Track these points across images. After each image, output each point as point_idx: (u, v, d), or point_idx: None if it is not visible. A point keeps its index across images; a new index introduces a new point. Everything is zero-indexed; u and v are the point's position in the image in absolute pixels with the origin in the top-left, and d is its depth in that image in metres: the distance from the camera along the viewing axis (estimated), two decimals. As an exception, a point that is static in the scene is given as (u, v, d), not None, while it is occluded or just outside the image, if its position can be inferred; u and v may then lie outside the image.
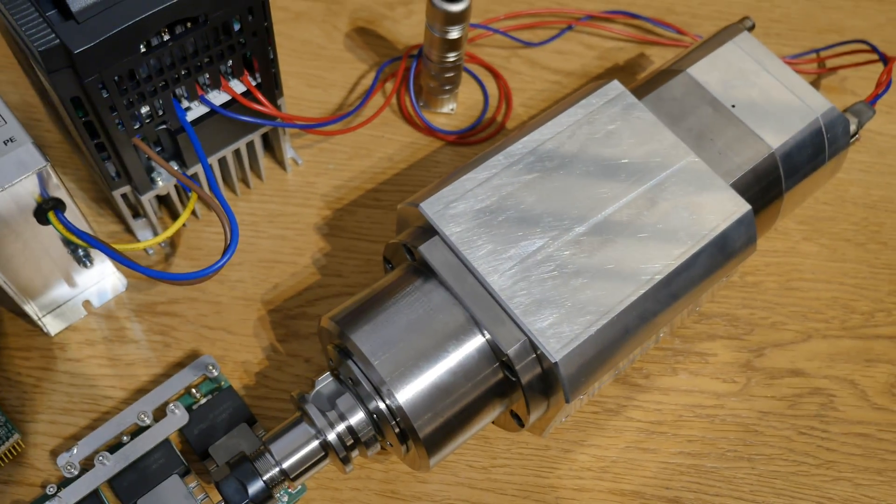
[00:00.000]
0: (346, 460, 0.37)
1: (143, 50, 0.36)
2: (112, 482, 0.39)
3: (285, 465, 0.36)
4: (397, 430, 0.37)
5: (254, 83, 0.43)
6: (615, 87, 0.43)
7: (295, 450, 0.37)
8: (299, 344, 0.45)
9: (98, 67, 0.35)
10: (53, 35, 0.34)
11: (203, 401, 0.42)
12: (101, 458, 0.39)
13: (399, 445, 0.37)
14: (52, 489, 0.39)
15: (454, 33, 0.47)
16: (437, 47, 0.48)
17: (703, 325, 0.48)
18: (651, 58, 0.57)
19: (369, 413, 0.37)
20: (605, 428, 0.44)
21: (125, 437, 0.41)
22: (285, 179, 0.50)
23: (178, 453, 0.40)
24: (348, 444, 0.37)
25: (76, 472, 0.39)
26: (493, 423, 0.43)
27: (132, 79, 0.37)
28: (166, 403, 0.41)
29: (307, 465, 0.37)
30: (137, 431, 0.41)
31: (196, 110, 0.41)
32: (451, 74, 0.51)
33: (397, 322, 0.37)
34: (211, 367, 0.42)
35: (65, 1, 0.34)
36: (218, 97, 0.42)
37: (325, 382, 0.38)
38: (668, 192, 0.40)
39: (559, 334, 0.36)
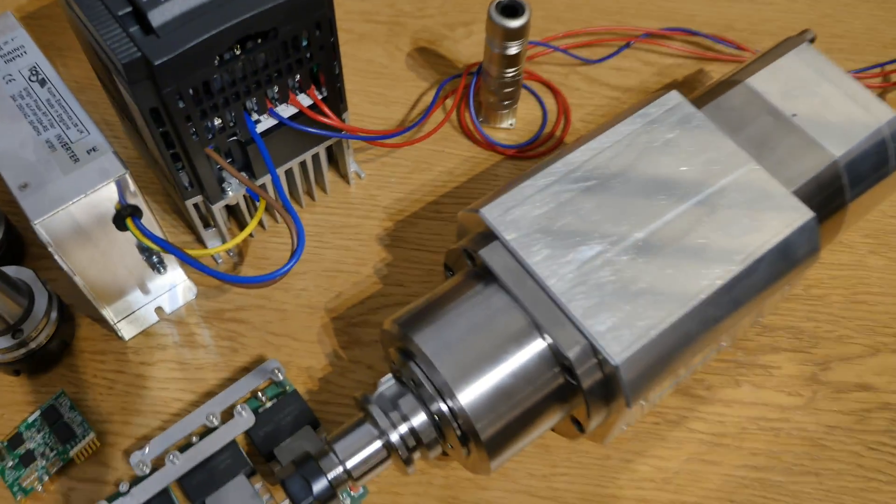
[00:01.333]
0: (408, 461, 0.38)
1: (217, 63, 0.38)
2: (181, 481, 0.41)
3: (349, 464, 0.37)
4: (459, 432, 0.37)
5: (320, 97, 0.44)
6: (674, 97, 0.43)
7: (358, 449, 0.37)
8: (361, 351, 0.46)
9: (176, 79, 0.37)
10: (136, 48, 0.36)
11: (269, 404, 0.43)
12: (171, 457, 0.41)
13: (460, 448, 0.38)
14: (124, 487, 0.40)
15: (513, 49, 0.48)
16: (496, 63, 0.50)
17: (767, 337, 0.47)
18: (710, 74, 0.57)
19: (431, 415, 0.37)
20: (667, 439, 0.44)
21: (194, 438, 0.42)
22: (348, 192, 0.52)
23: (245, 454, 0.41)
24: (410, 445, 0.38)
25: (147, 471, 0.41)
26: (553, 429, 0.43)
27: (207, 90, 0.39)
28: (233, 406, 0.43)
29: (371, 465, 0.38)
30: (206, 432, 0.42)
31: (265, 123, 0.43)
32: (511, 90, 0.51)
33: (459, 325, 0.38)
34: (276, 371, 0.43)
35: (146, 17, 0.36)
36: (286, 110, 0.43)
37: (388, 384, 0.38)
38: (729, 200, 0.40)
39: (619, 338, 0.36)
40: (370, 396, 0.38)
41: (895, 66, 0.57)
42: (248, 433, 0.42)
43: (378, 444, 0.37)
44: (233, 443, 0.42)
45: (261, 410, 0.43)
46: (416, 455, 0.38)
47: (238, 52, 0.39)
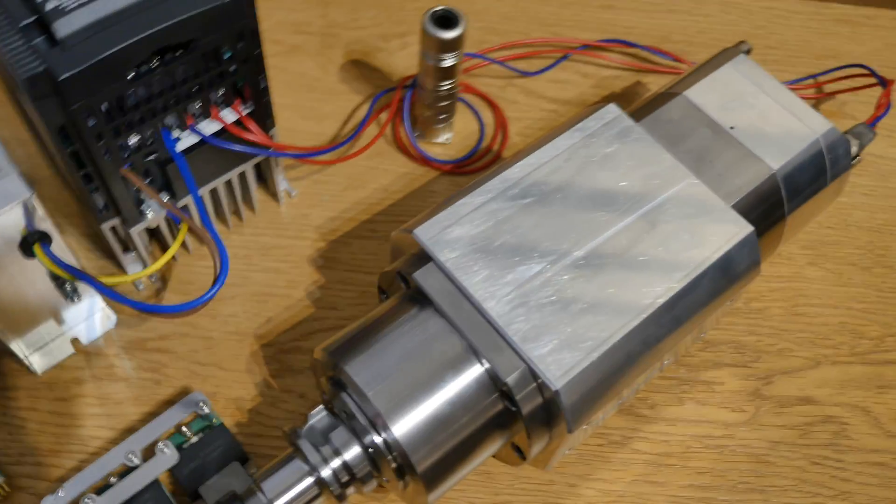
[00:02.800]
0: (341, 497, 0.36)
1: (130, 76, 0.36)
2: (98, 525, 0.38)
3: (278, 503, 0.35)
4: (394, 464, 0.35)
5: (245, 112, 0.42)
6: (612, 110, 0.42)
7: (288, 487, 0.35)
8: (293, 379, 0.44)
9: (84, 94, 0.34)
10: (39, 61, 0.33)
11: (194, 439, 0.41)
12: (87, 500, 0.38)
13: (396, 481, 0.36)
14: (35, 533, 0.37)
15: (448, 61, 0.47)
16: (431, 76, 0.48)
17: (709, 352, 0.46)
18: (648, 85, 0.57)
19: (365, 447, 0.35)
20: (611, 461, 0.43)
21: (113, 479, 0.39)
22: (278, 212, 0.49)
23: (168, 494, 0.39)
24: (343, 480, 0.36)
25: (61, 516, 0.38)
26: (494, 456, 0.41)
27: (120, 107, 0.37)
28: (155, 442, 0.40)
29: (301, 503, 0.35)
30: (126, 472, 0.39)
31: (186, 140, 0.41)
32: (446, 103, 0.50)
33: (393, 352, 0.36)
34: (202, 405, 0.41)
35: (51, 27, 0.34)
36: (209, 126, 0.41)
37: (319, 416, 0.36)
38: (668, 215, 0.39)
39: (559, 361, 0.34)
40: (300, 430, 0.36)
41: (828, 77, 0.57)
42: (171, 471, 0.40)
43: (309, 480, 0.35)
44: (155, 482, 0.39)
45: (185, 446, 0.40)
46: (350, 490, 0.36)
47: (155, 65, 0.37)
